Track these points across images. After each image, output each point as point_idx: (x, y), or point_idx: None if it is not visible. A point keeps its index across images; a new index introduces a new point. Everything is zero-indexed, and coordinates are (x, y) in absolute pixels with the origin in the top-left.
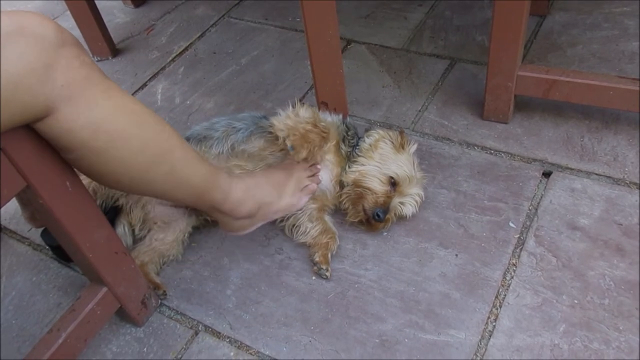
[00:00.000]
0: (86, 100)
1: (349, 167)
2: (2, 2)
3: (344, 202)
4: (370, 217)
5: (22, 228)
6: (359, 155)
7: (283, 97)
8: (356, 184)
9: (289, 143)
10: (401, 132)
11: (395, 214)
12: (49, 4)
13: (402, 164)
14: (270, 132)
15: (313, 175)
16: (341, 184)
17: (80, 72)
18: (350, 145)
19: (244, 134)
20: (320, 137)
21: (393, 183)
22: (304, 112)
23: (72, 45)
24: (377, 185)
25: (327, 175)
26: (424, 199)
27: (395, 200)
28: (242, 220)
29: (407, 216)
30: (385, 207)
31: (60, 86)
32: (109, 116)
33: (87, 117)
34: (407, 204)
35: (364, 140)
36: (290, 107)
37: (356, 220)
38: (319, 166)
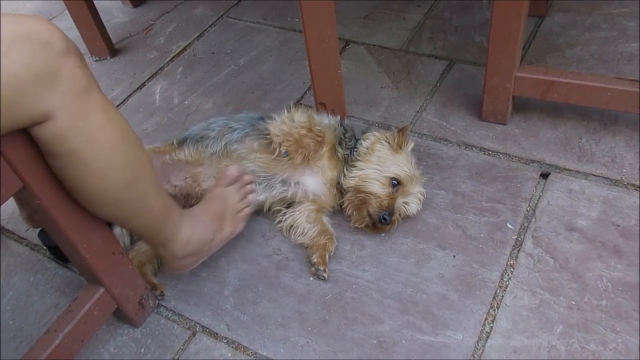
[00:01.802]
0: (84, 110)
1: (347, 170)
2: (1, 2)
3: (347, 208)
4: (377, 221)
5: (19, 228)
6: (357, 159)
7: (281, 98)
8: (357, 189)
9: (283, 149)
10: (402, 130)
11: (400, 214)
12: (48, 3)
13: (401, 164)
14: (266, 136)
15: (244, 198)
16: (339, 187)
17: (81, 82)
18: (347, 147)
19: (239, 134)
20: (315, 142)
21: (395, 184)
22: (299, 116)
23: (75, 55)
24: (379, 189)
25: (318, 180)
26: (425, 196)
27: (399, 201)
28: (188, 259)
29: (413, 215)
30: (391, 209)
31: (62, 93)
32: (102, 128)
33: (83, 126)
34: (411, 202)
35: (361, 144)
36: (285, 111)
37: (362, 225)
38: (249, 187)
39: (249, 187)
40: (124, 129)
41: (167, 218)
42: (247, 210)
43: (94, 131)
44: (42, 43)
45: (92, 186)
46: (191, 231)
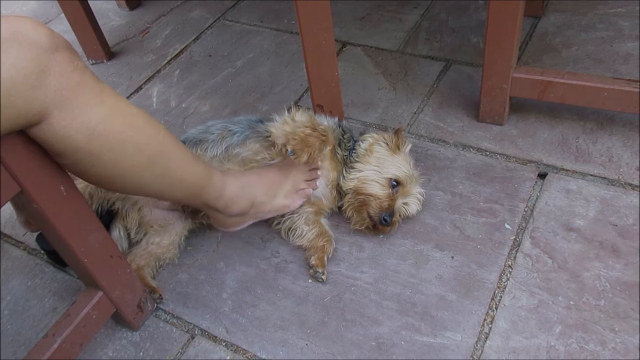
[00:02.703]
0: (80, 105)
1: (346, 172)
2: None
3: (347, 210)
4: (378, 222)
5: (17, 232)
6: (356, 161)
7: (279, 100)
8: (357, 191)
9: (289, 148)
10: (397, 131)
11: (400, 215)
12: (44, 6)
13: (400, 165)
14: (267, 137)
15: (311, 180)
16: (338, 189)
17: (73, 77)
18: (346, 149)
19: (239, 138)
20: (320, 141)
21: (394, 185)
22: (300, 117)
23: (65, 50)
24: (379, 190)
25: (321, 182)
26: (425, 196)
27: (399, 202)
28: (234, 218)
29: (413, 216)
30: (391, 210)
31: (54, 91)
32: (104, 120)
33: (81, 121)
34: (411, 203)
35: (359, 145)
36: (286, 111)
37: (362, 227)
38: (319, 172)
39: (318, 172)
40: (130, 114)
41: (203, 185)
42: (309, 190)
43: (94, 125)
44: (28, 42)
45: (108, 176)
46: (236, 192)
